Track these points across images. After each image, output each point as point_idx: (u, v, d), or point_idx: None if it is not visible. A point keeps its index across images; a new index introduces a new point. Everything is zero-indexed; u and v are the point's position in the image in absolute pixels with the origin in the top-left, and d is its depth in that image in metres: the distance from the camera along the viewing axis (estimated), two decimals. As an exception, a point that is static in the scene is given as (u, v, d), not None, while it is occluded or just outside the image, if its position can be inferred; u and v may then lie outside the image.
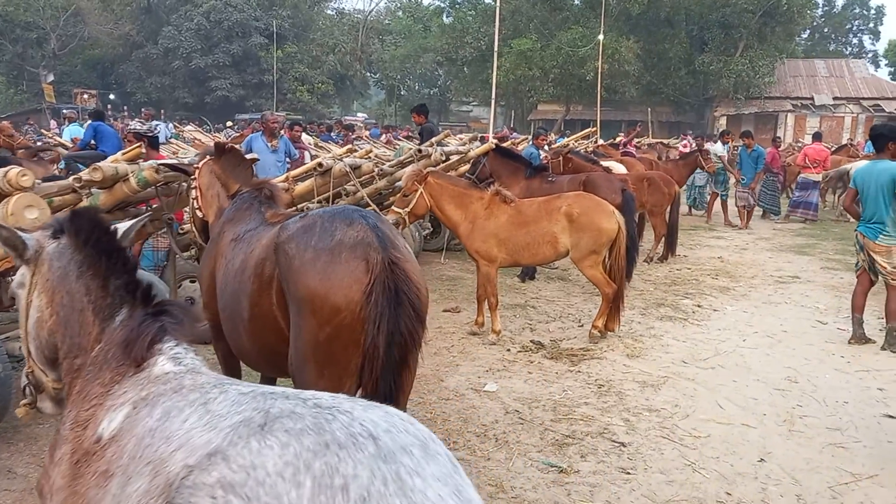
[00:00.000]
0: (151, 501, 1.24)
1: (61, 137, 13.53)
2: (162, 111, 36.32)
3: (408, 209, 6.09)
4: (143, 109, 20.41)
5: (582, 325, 6.84)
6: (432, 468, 1.18)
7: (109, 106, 40.71)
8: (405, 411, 2.87)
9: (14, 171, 3.26)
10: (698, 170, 13.91)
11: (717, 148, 15.18)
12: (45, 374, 1.98)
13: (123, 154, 3.99)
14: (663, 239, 10.31)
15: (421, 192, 6.11)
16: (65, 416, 1.65)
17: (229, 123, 30.21)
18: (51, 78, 43.32)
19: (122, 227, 2.12)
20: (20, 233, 1.91)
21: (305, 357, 2.63)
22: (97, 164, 3.75)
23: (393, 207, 6.21)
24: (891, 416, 4.76)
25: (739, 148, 14.77)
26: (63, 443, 1.56)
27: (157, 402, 1.42)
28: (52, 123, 18.42)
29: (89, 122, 10.29)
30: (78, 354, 1.75)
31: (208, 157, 3.75)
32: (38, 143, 12.99)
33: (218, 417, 1.29)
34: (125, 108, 39.48)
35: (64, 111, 17.27)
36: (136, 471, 1.29)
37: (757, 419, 4.75)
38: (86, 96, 37.67)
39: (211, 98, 44.99)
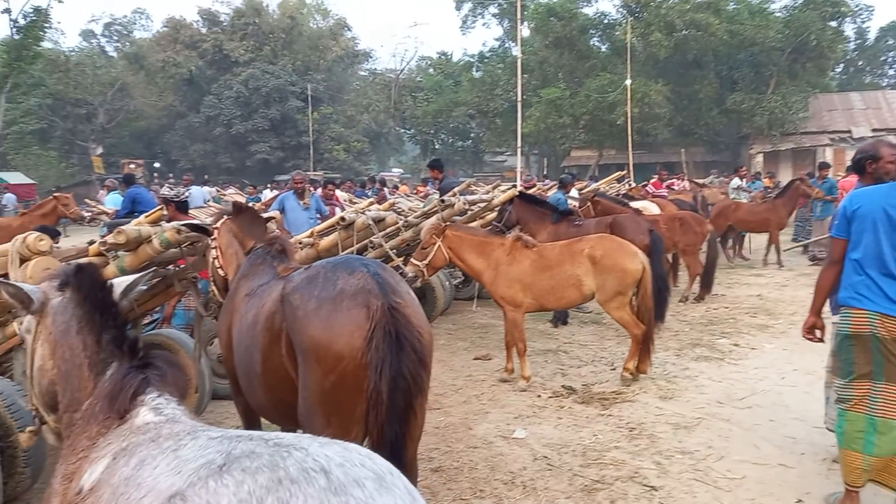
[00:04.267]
0: None
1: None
2: (206, 176, 37.51)
3: (425, 262, 6.18)
4: (184, 176, 21.22)
5: (614, 369, 6.73)
6: (385, 499, 1.20)
7: (156, 174, 42.30)
8: (415, 458, 2.89)
9: (32, 236, 3.45)
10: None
11: (733, 183, 15.08)
12: (47, 416, 2.06)
13: (146, 217, 4.17)
14: (698, 278, 10.16)
15: (439, 246, 6.20)
16: (56, 470, 1.70)
17: (270, 185, 30.97)
18: (99, 150, 45.31)
19: (120, 281, 2.21)
20: (25, 287, 2.03)
21: (312, 406, 2.66)
22: (121, 227, 3.92)
23: (412, 260, 6.30)
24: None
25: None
26: (53, 496, 1.62)
27: (134, 452, 1.46)
28: (101, 193, 19.33)
29: (126, 189, 10.70)
30: (77, 409, 1.81)
31: (226, 217, 3.88)
32: (86, 213, 13.62)
33: (184, 462, 1.33)
34: (170, 175, 40.92)
35: (105, 181, 18.04)
36: None
37: (795, 459, 4.60)
38: (133, 166, 39.07)
39: (251, 161, 46.34)
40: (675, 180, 18.86)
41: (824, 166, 14.16)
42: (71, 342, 1.89)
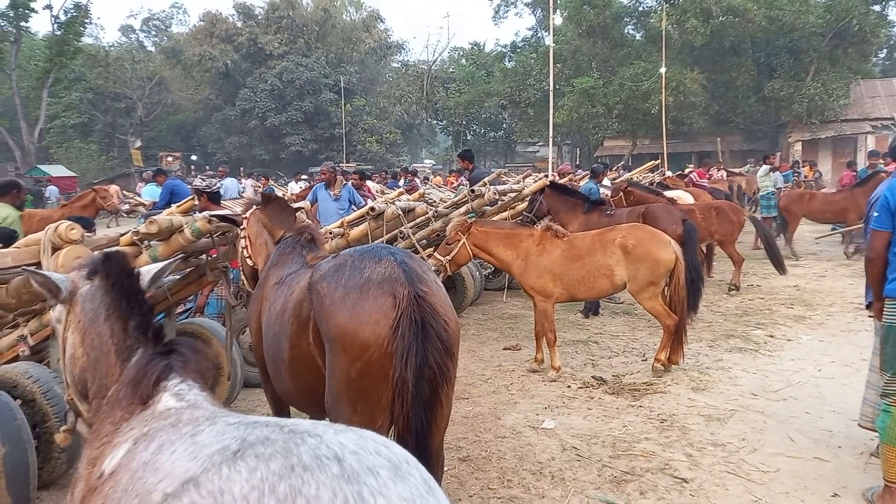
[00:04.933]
0: None
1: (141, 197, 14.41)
2: (241, 168, 37.97)
3: (449, 257, 6.17)
4: (219, 168, 21.52)
5: (646, 360, 6.66)
6: (399, 489, 1.19)
7: (193, 167, 43.02)
8: (441, 447, 2.89)
9: (63, 225, 3.53)
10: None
11: (762, 171, 14.74)
12: (81, 404, 2.10)
13: (178, 207, 4.24)
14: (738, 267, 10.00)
15: (463, 243, 6.18)
16: (82, 454, 1.73)
17: (304, 177, 31.29)
18: (138, 143, 46.18)
19: (147, 269, 2.24)
20: (53, 276, 2.06)
21: (339, 394, 2.68)
22: (153, 217, 3.99)
23: (435, 255, 6.28)
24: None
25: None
26: (79, 480, 1.64)
27: (154, 437, 1.47)
28: (140, 185, 19.89)
29: (165, 181, 10.93)
30: (104, 395, 1.83)
31: (255, 207, 3.92)
32: (124, 205, 13.91)
33: (200, 447, 1.33)
34: (207, 167, 41.56)
35: (143, 173, 18.48)
36: (126, 503, 1.35)
37: (831, 452, 4.50)
38: (170, 158, 39.82)
39: (286, 153, 46.78)
40: (703, 169, 18.51)
41: (874, 154, 13.63)
42: (99, 329, 1.92)
